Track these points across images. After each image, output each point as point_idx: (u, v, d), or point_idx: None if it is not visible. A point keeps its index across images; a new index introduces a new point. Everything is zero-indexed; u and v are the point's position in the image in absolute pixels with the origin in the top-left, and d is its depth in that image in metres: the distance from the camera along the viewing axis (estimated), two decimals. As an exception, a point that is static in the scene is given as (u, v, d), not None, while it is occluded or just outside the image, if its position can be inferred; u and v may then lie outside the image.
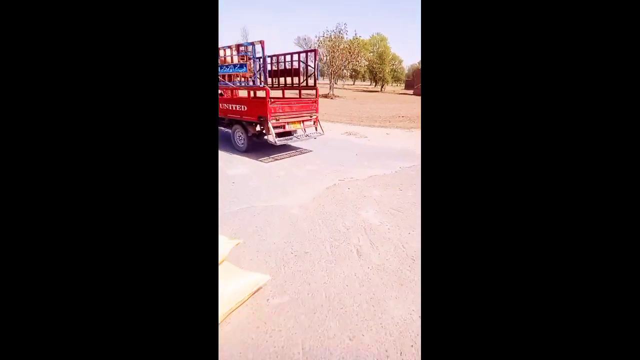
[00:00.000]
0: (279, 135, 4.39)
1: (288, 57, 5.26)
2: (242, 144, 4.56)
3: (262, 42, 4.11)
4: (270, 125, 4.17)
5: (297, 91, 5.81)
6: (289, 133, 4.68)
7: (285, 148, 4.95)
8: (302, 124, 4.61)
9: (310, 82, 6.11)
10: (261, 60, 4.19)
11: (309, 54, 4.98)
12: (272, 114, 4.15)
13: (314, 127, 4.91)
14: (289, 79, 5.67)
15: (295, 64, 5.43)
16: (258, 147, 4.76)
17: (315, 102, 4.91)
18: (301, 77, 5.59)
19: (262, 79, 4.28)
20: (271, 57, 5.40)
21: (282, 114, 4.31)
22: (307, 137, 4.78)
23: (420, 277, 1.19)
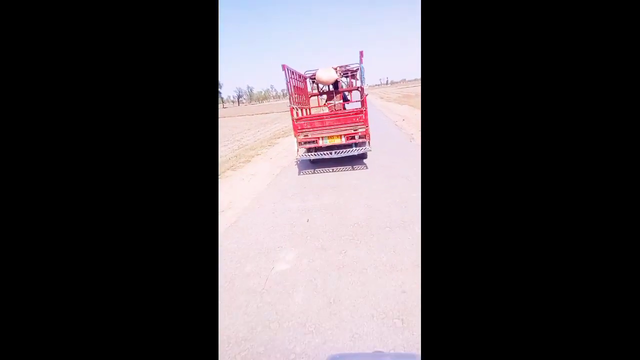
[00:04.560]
0: (312, 150, 5.17)
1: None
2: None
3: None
4: (295, 141, 4.94)
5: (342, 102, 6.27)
6: (329, 148, 4.96)
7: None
8: (342, 138, 4.79)
9: (355, 94, 6.44)
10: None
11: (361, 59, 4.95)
12: (299, 131, 4.86)
13: (366, 142, 4.83)
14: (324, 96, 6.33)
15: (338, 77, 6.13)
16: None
17: (360, 113, 4.75)
18: (354, 85, 6.13)
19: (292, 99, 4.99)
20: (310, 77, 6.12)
21: (311, 129, 4.83)
22: (343, 152, 4.86)
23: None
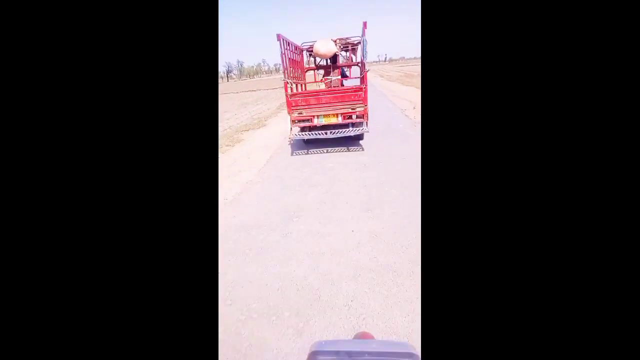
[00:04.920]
0: (306, 129, 4.83)
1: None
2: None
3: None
4: (288, 119, 4.68)
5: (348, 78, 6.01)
6: (324, 127, 4.73)
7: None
8: (339, 117, 4.59)
9: (354, 70, 6.20)
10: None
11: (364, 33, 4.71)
12: (293, 107, 4.58)
13: (363, 122, 4.64)
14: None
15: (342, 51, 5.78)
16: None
17: (360, 90, 4.51)
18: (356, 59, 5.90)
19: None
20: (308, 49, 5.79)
21: (306, 107, 4.58)
22: (339, 133, 4.66)
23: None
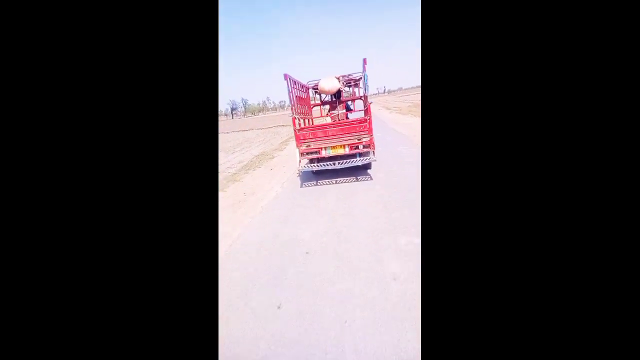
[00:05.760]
0: (314, 160, 5.12)
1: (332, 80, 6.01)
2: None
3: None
4: (297, 152, 4.96)
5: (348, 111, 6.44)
6: (332, 158, 4.98)
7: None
8: (346, 148, 4.82)
9: (358, 103, 6.67)
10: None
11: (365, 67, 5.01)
12: (301, 141, 4.89)
13: (370, 152, 4.80)
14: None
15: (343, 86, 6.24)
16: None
17: (365, 121, 4.77)
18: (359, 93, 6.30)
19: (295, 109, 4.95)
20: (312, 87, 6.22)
21: (314, 139, 4.86)
22: (347, 163, 4.80)
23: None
